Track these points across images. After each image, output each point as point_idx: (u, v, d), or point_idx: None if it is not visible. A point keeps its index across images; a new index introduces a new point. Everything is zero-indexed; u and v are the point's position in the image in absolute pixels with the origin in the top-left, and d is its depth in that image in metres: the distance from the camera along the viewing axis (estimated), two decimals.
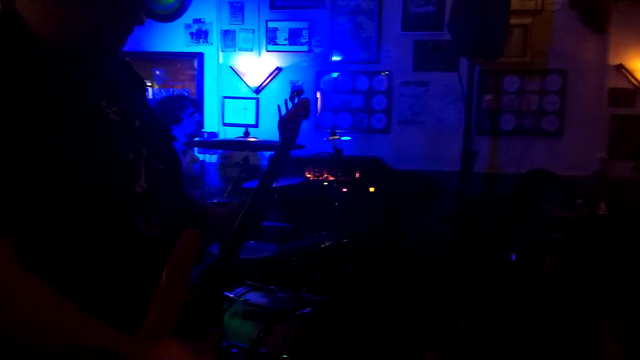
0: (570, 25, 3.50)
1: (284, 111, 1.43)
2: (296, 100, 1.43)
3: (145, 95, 1.20)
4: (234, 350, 1.85)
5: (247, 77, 3.93)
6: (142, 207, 0.98)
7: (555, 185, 3.22)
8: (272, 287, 2.27)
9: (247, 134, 2.65)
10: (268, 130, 3.89)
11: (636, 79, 3.46)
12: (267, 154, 3.71)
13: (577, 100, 3.56)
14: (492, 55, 3.22)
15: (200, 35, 3.99)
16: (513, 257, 2.87)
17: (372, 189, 3.50)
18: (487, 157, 3.66)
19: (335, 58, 3.82)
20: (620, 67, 3.46)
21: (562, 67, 3.55)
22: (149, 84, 4.06)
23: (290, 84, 3.89)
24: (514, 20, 3.31)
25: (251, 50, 3.93)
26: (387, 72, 3.75)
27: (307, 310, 2.01)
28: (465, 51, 3.21)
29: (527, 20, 3.50)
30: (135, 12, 0.98)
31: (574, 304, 2.44)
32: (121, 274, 0.94)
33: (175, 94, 4.00)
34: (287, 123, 1.39)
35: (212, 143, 3.41)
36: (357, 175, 3.51)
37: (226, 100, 4.02)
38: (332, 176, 3.42)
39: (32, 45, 0.90)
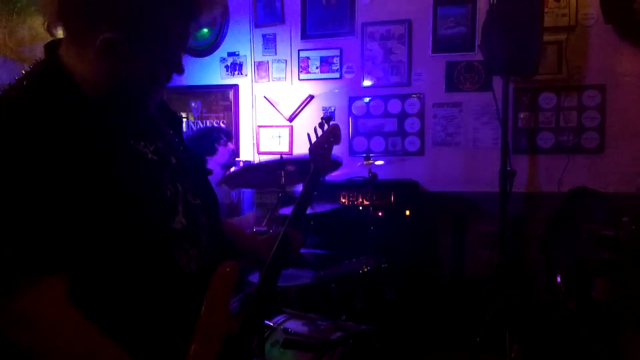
0: (606, 40, 3.43)
1: (313, 139, 1.45)
2: (325, 127, 1.45)
3: (181, 132, 1.24)
4: None
5: (281, 106, 4.00)
6: (182, 243, 1.00)
7: (599, 203, 3.11)
8: (311, 314, 2.26)
9: (282, 159, 2.69)
10: (303, 156, 3.94)
11: None
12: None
13: (618, 115, 3.46)
14: (526, 73, 3.18)
15: (235, 67, 4.10)
16: (558, 279, 2.78)
17: (408, 212, 3.47)
18: (526, 176, 3.58)
19: (367, 83, 3.85)
20: None
21: (600, 82, 3.47)
22: (185, 116, 4.18)
23: (323, 110, 3.94)
24: (547, 37, 3.27)
25: (284, 79, 4.01)
26: (419, 95, 3.75)
27: (349, 339, 2.00)
28: (498, 70, 3.19)
29: (562, 36, 3.45)
30: (177, 63, 1.02)
31: (624, 327, 2.33)
32: (163, 309, 0.96)
33: (207, 126, 4.10)
34: (318, 149, 1.41)
35: (248, 169, 3.45)
36: (392, 199, 3.49)
37: (261, 129, 4.10)
38: (367, 200, 3.41)
39: (76, 96, 0.94)
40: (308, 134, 1.44)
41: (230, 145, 3.29)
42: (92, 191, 0.88)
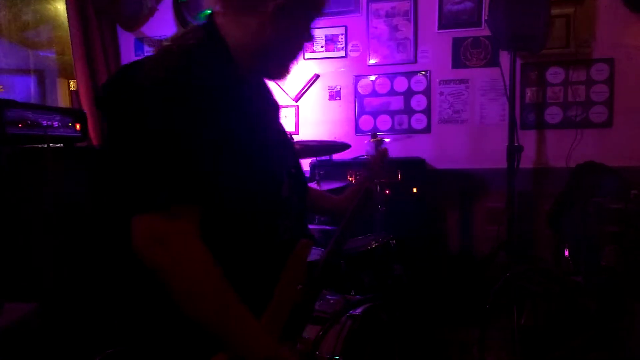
0: (614, 12, 3.38)
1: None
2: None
3: (280, 114, 1.35)
4: None
5: (286, 86, 3.99)
6: (284, 212, 1.12)
7: (607, 178, 3.11)
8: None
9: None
10: (308, 136, 3.94)
11: None
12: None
13: (627, 88, 3.43)
14: (534, 48, 3.15)
15: None
16: (566, 252, 2.79)
17: (415, 190, 3.47)
18: (533, 152, 3.57)
19: (373, 61, 3.83)
20: None
21: (608, 55, 3.43)
22: None
23: (329, 89, 3.93)
24: (555, 11, 3.23)
25: None
26: (425, 72, 3.73)
27: (358, 312, 2.02)
28: (505, 45, 3.16)
29: (569, 9, 3.41)
30: (308, 35, 1.13)
31: (632, 299, 2.34)
32: (260, 270, 1.05)
33: None
34: (374, 175, 1.55)
35: None
36: (400, 176, 3.49)
37: None
38: None
39: (231, 62, 1.06)
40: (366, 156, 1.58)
41: None
42: (229, 148, 0.98)
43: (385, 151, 1.60)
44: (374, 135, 3.16)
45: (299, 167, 1.26)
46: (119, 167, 0.97)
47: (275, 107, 1.24)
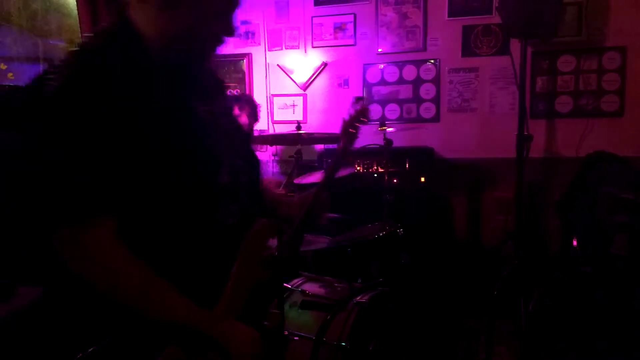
0: (627, 0, 3.33)
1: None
2: (357, 107, 1.50)
3: (226, 98, 1.33)
4: (295, 338, 1.90)
5: (295, 74, 3.98)
6: (225, 197, 1.09)
7: (618, 167, 3.07)
8: (328, 278, 2.30)
9: (299, 127, 2.69)
10: (316, 125, 3.93)
11: None
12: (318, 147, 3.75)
13: (639, 77, 3.38)
14: (545, 36, 3.11)
15: (248, 35, 4.07)
16: (574, 242, 2.77)
17: (423, 179, 3.46)
18: (543, 142, 3.54)
19: (381, 49, 3.80)
20: None
21: (620, 43, 3.38)
22: None
23: (337, 78, 3.92)
24: None
25: (297, 47, 3.97)
26: (435, 60, 3.70)
27: (365, 299, 2.03)
28: (516, 33, 3.12)
29: None
30: (227, 21, 1.09)
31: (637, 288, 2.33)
32: (201, 256, 1.05)
33: (240, 94, 4.10)
34: (348, 127, 1.47)
35: (266, 138, 3.49)
36: (407, 165, 3.48)
37: (275, 98, 4.09)
38: (382, 168, 3.41)
39: (144, 53, 1.03)
40: (343, 119, 1.52)
41: (244, 118, 3.30)
42: (147, 143, 0.97)
43: (365, 111, 1.52)
44: (381, 124, 3.14)
45: (247, 149, 1.24)
46: (32, 180, 0.97)
47: (206, 93, 1.17)
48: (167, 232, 1.01)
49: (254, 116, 3.38)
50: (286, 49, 4.01)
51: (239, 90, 4.14)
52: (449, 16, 3.64)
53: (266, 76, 4.09)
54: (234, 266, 1.06)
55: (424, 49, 3.72)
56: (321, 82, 3.95)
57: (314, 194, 1.32)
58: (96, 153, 0.93)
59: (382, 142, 3.11)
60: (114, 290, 0.95)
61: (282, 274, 1.21)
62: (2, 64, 3.17)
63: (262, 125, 4.10)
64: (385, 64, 3.81)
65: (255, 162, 1.26)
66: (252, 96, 3.92)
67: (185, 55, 1.08)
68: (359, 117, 1.47)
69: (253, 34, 4.06)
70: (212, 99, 1.18)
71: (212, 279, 1.05)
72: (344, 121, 1.48)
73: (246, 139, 1.29)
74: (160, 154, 0.98)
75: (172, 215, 1.00)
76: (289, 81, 4.02)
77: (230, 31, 1.09)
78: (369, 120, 1.51)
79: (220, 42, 1.10)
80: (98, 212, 0.94)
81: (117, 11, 1.08)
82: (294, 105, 4.03)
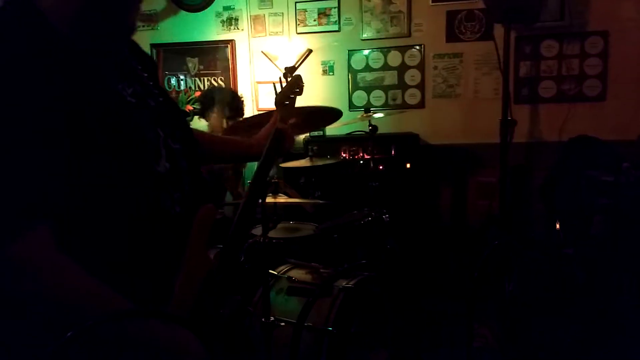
0: None
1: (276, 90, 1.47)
2: (289, 78, 1.48)
3: (156, 75, 1.20)
4: (281, 324, 1.90)
5: (279, 61, 3.94)
6: (166, 186, 1.01)
7: (600, 151, 3.12)
8: (314, 264, 2.31)
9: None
10: None
11: None
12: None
13: (621, 62, 3.42)
14: (528, 20, 3.13)
15: (231, 22, 4.02)
16: (557, 225, 2.81)
17: (408, 165, 3.47)
18: (527, 126, 3.57)
19: (366, 35, 3.78)
20: None
21: (603, 28, 3.41)
22: (182, 75, 4.13)
23: (322, 65, 3.90)
24: None
25: (281, 33, 3.94)
26: (419, 46, 3.70)
27: (351, 284, 2.04)
28: (500, 18, 3.13)
29: None
30: None
31: (619, 269, 2.38)
32: (149, 249, 0.97)
33: (214, 88, 4.01)
34: (283, 101, 1.42)
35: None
36: (393, 152, 3.49)
37: (259, 85, 4.06)
38: (367, 154, 3.41)
39: (50, 33, 0.90)
40: (274, 84, 1.47)
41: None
42: (73, 135, 0.86)
43: (298, 80, 1.46)
44: (366, 110, 3.14)
45: (185, 136, 1.14)
46: None
47: (131, 72, 1.06)
48: (110, 229, 0.92)
49: (235, 111, 3.20)
50: (270, 35, 3.97)
51: (222, 78, 4.09)
52: (432, 1, 3.63)
53: (250, 63, 4.05)
54: (185, 255, 1.01)
55: (409, 34, 3.71)
56: (306, 68, 3.93)
57: (276, 126, 1.33)
58: (16, 153, 0.81)
59: (367, 129, 3.11)
60: (58, 307, 0.84)
61: (237, 249, 1.17)
62: None
63: (247, 112, 4.07)
64: (370, 50, 3.80)
65: (194, 144, 1.17)
66: (233, 89, 3.87)
67: (99, 29, 0.97)
68: (292, 88, 1.44)
69: (236, 20, 4.01)
70: (137, 78, 1.06)
71: (164, 272, 0.99)
72: (277, 95, 1.44)
73: (182, 119, 1.18)
74: (89, 147, 0.87)
75: (114, 211, 0.91)
76: (273, 68, 3.99)
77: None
78: (302, 91, 1.46)
79: (136, 6, 0.99)
80: (31, 221, 0.82)
81: None
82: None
